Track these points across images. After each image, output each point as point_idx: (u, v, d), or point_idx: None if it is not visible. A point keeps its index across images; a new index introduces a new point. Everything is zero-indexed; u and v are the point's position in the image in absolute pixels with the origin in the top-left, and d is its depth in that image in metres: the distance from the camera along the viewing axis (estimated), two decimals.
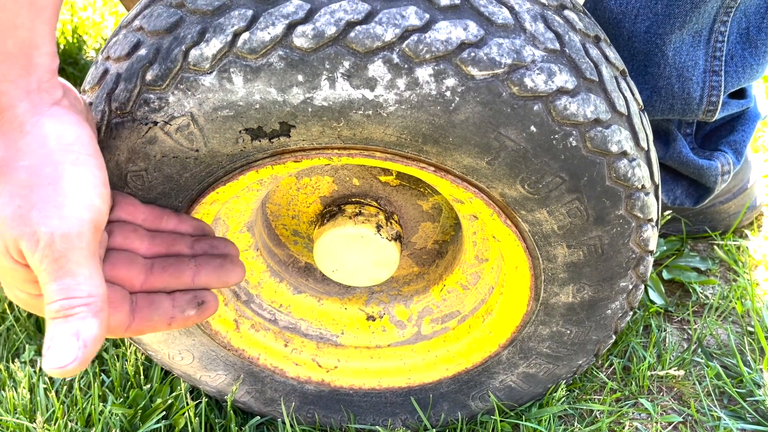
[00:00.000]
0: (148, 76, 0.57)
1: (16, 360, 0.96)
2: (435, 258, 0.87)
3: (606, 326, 0.75)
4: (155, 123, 0.58)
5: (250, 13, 0.54)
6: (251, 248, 0.82)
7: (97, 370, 0.95)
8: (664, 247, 1.08)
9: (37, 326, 1.06)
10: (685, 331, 0.99)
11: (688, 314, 1.00)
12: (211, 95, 0.56)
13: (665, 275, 1.04)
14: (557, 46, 0.58)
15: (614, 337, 0.77)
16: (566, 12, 0.62)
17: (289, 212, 0.83)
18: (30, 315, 1.07)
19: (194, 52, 0.55)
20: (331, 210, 0.78)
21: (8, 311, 1.06)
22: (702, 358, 0.93)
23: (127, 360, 0.94)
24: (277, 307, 0.86)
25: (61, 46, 1.92)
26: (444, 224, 0.84)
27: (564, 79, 0.56)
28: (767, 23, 0.89)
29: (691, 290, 1.03)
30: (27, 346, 1.01)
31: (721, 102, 0.91)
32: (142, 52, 0.58)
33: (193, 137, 0.58)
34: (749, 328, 0.96)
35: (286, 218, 0.84)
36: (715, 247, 1.10)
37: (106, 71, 0.61)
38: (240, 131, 0.58)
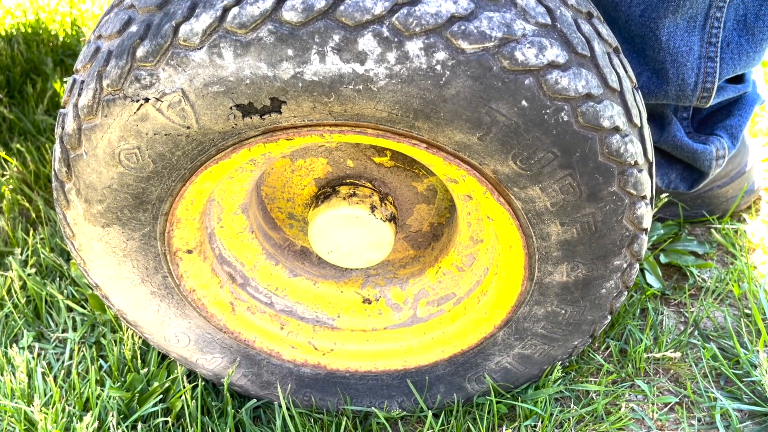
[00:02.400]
0: (139, 53, 0.57)
1: (14, 345, 0.96)
2: (430, 241, 0.87)
3: (601, 306, 0.75)
4: (147, 99, 0.58)
5: None
6: (246, 230, 0.82)
7: (95, 354, 0.96)
8: (662, 231, 1.07)
9: (35, 313, 1.07)
10: (682, 315, 0.99)
11: (685, 297, 0.99)
12: (201, 71, 0.56)
13: (662, 259, 1.04)
14: (548, 20, 0.57)
15: (609, 317, 0.77)
16: None
17: (284, 195, 0.84)
18: (29, 301, 1.07)
19: (184, 28, 0.55)
20: (326, 191, 0.78)
21: (6, 298, 1.06)
22: (699, 341, 0.93)
23: (124, 345, 0.94)
24: (273, 290, 0.86)
25: (60, 38, 1.92)
26: (439, 206, 0.84)
27: (555, 53, 0.56)
28: (766, 10, 0.88)
29: (688, 273, 1.02)
30: (25, 332, 1.02)
31: (716, 88, 0.91)
32: (133, 28, 0.58)
33: (185, 114, 0.58)
34: (746, 311, 0.96)
35: (282, 201, 0.84)
36: (713, 230, 1.09)
37: (97, 49, 0.61)
38: (231, 107, 0.58)
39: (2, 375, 0.94)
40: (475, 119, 0.57)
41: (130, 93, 0.58)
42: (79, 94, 0.61)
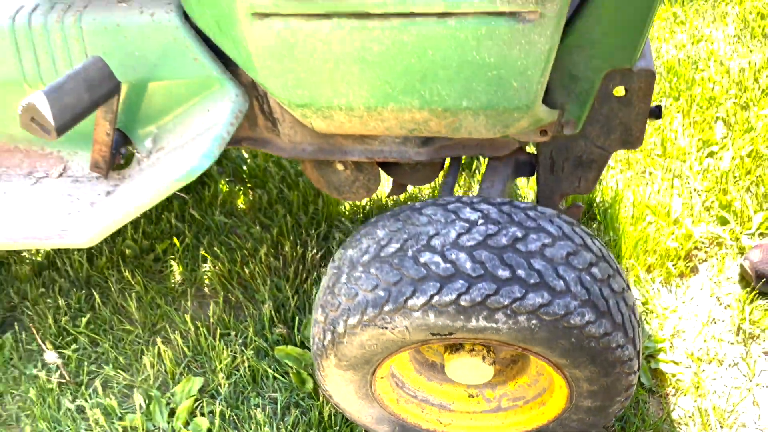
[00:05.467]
0: (386, 308, 1.16)
1: (244, 402, 1.58)
2: (509, 363, 1.47)
3: (609, 415, 1.34)
4: (385, 328, 1.18)
5: (438, 285, 1.13)
6: (407, 361, 1.42)
7: (304, 416, 1.58)
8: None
9: (253, 378, 1.69)
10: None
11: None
12: (416, 321, 1.15)
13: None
14: (587, 297, 1.15)
15: (613, 419, 1.36)
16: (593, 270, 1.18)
17: None
18: (248, 371, 1.70)
19: (411, 300, 1.14)
20: (456, 344, 1.38)
21: (228, 367, 1.69)
22: None
23: (321, 410, 1.57)
24: (417, 388, 1.47)
25: None
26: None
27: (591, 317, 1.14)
28: None
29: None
30: (251, 395, 1.64)
31: None
32: (380, 292, 1.17)
33: (403, 334, 1.18)
34: None
35: None
36: None
37: (356, 293, 1.20)
38: (429, 334, 1.17)
39: (243, 426, 1.57)
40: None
41: (377, 323, 1.18)
42: (348, 317, 1.21)
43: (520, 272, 1.12)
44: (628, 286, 1.26)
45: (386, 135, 1.46)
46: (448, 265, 1.13)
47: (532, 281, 1.12)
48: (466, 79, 1.20)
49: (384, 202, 2.09)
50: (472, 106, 1.24)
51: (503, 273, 1.12)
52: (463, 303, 1.12)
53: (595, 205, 1.94)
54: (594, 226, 1.89)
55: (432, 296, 1.13)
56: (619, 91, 1.33)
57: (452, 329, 1.15)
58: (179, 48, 1.37)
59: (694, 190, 1.95)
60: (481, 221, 1.17)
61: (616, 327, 1.18)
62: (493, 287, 1.11)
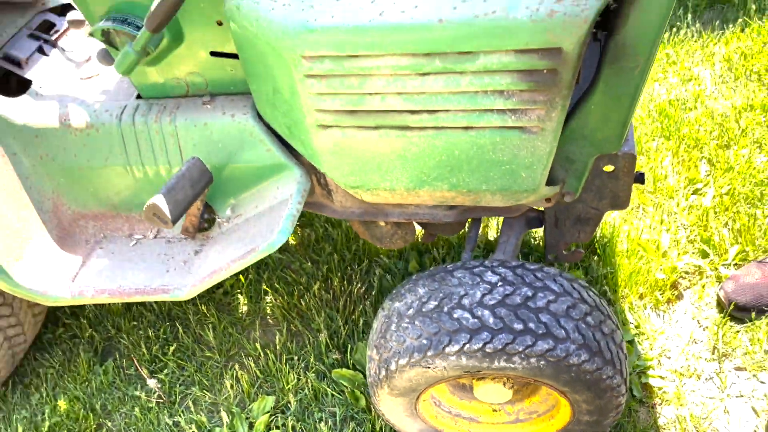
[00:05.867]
0: (428, 353, 1.52)
1: (311, 416, 1.96)
2: (525, 384, 1.83)
3: (606, 425, 1.70)
4: (428, 367, 1.54)
5: (468, 336, 1.49)
6: (445, 386, 1.79)
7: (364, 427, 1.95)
8: None
9: (315, 397, 2.07)
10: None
11: None
12: (452, 361, 1.51)
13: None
14: (584, 341, 1.50)
15: (609, 428, 1.72)
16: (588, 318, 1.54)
17: None
18: (310, 390, 2.08)
19: (448, 348, 1.50)
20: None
21: (294, 388, 2.07)
22: None
23: (374, 423, 1.94)
24: (451, 406, 1.84)
25: None
26: None
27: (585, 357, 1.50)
28: None
29: None
30: (315, 409, 2.03)
31: None
32: (424, 341, 1.53)
33: (442, 369, 1.54)
34: None
35: None
36: None
37: (405, 340, 1.57)
38: (462, 371, 1.54)
39: None
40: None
41: (422, 364, 1.54)
42: (399, 358, 1.57)
43: (531, 325, 1.48)
44: (617, 326, 1.61)
45: (420, 203, 1.81)
46: (476, 320, 1.49)
47: (540, 332, 1.47)
48: (484, 171, 1.55)
49: (415, 239, 2.45)
50: (489, 188, 1.59)
51: (518, 326, 1.47)
52: (488, 350, 1.48)
53: (596, 240, 2.28)
54: (594, 259, 2.24)
55: (464, 345, 1.49)
56: (609, 168, 1.67)
57: (480, 368, 1.52)
58: (254, 141, 1.73)
59: (681, 224, 2.29)
60: (500, 283, 1.53)
61: (606, 363, 1.54)
62: (511, 337, 1.47)
